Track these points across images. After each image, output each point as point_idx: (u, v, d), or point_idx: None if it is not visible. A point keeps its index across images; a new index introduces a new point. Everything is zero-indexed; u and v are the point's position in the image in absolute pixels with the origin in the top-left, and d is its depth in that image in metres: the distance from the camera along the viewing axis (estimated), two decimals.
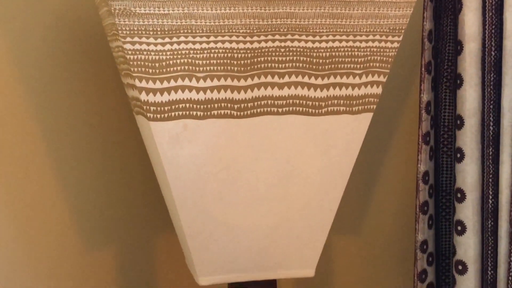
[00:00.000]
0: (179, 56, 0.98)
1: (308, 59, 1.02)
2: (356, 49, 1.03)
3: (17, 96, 1.27)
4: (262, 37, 0.99)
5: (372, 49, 1.04)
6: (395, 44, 1.05)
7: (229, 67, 0.99)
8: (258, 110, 1.02)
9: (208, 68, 0.99)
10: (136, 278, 1.39)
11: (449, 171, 1.24)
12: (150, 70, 0.97)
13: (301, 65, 1.02)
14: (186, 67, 0.98)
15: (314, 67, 1.02)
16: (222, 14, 0.97)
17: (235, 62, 0.99)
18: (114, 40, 1.01)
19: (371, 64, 1.04)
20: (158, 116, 0.99)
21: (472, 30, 1.13)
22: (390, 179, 1.46)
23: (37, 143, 1.30)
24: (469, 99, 1.15)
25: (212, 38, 0.98)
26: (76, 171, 1.32)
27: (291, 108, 1.03)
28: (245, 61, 1.00)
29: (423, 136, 1.20)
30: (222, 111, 1.01)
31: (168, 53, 0.97)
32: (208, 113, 1.00)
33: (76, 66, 1.31)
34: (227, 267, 1.08)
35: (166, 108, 0.99)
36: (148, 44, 0.96)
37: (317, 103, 1.04)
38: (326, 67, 1.03)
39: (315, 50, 1.02)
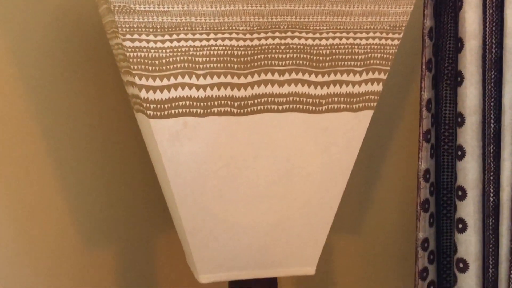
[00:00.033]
0: (179, 54, 0.97)
1: (308, 56, 1.01)
2: (356, 47, 1.03)
3: (17, 95, 1.27)
4: (262, 35, 0.99)
5: (372, 47, 1.03)
6: (396, 42, 1.04)
7: (229, 65, 0.99)
8: (258, 107, 1.02)
9: (208, 65, 0.99)
10: (136, 277, 1.38)
11: (450, 169, 1.24)
12: (150, 68, 0.97)
13: (301, 62, 1.01)
14: (186, 65, 0.98)
15: (314, 64, 1.02)
16: (221, 11, 0.97)
17: (235, 60, 0.99)
18: (114, 37, 1.00)
19: (372, 61, 1.04)
20: (158, 113, 0.99)
21: (472, 27, 1.13)
22: (390, 177, 1.46)
23: (37, 142, 1.29)
24: (470, 96, 1.14)
25: (212, 36, 0.98)
26: (76, 170, 1.32)
27: (291, 106, 1.03)
28: (245, 59, 0.99)
29: (424, 134, 1.19)
30: (222, 109, 1.01)
31: (168, 50, 0.97)
32: (208, 110, 1.00)
33: (76, 65, 1.30)
34: (228, 264, 1.08)
35: (166, 106, 0.98)
36: (148, 41, 0.96)
37: (317, 101, 1.03)
38: (326, 64, 1.02)
39: (315, 48, 1.01)
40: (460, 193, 1.16)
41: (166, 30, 0.96)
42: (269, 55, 1.00)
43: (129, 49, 0.96)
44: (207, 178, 1.03)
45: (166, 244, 1.40)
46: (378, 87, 1.06)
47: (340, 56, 1.02)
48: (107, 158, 1.35)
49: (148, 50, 0.96)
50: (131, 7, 0.95)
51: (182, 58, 0.98)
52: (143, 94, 0.98)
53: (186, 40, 0.97)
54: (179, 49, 0.97)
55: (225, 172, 1.03)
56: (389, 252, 1.47)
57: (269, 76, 1.01)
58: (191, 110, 1.00)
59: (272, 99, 1.02)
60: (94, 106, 1.33)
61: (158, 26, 0.96)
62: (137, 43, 0.96)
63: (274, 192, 1.05)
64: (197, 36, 0.98)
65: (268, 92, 1.02)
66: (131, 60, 0.96)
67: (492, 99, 1.13)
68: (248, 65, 1.00)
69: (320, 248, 1.11)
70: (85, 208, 1.33)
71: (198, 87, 0.99)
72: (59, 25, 1.29)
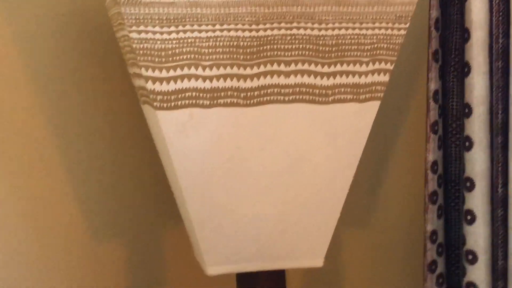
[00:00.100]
0: (185, 45, 0.98)
1: (314, 47, 1.01)
2: (362, 37, 1.03)
3: (28, 94, 1.28)
4: (268, 25, 0.99)
5: (378, 37, 1.03)
6: (402, 32, 1.04)
7: (235, 56, 0.99)
8: (265, 98, 1.02)
9: (214, 56, 0.99)
10: (144, 271, 1.38)
11: (458, 160, 1.24)
12: (156, 59, 0.97)
13: (307, 53, 1.01)
14: (192, 56, 0.98)
15: (320, 55, 1.02)
16: (227, 2, 0.97)
17: (241, 51, 0.99)
18: (120, 29, 1.01)
19: (378, 51, 1.04)
20: (165, 105, 0.99)
21: (479, 17, 1.13)
22: (398, 168, 1.46)
23: (45, 137, 1.30)
24: (477, 87, 1.14)
25: (217, 27, 0.98)
26: (85, 165, 1.33)
27: (297, 97, 1.03)
28: (251, 50, 0.99)
29: (431, 125, 1.19)
30: (229, 100, 1.01)
31: (174, 41, 0.97)
32: (215, 101, 1.00)
33: (83, 59, 1.31)
34: (235, 257, 1.08)
35: (172, 97, 0.99)
36: (154, 33, 0.96)
37: (324, 91, 1.03)
38: (333, 55, 1.02)
39: (321, 38, 1.01)
40: (468, 184, 1.16)
41: (172, 21, 0.96)
42: (275, 46, 1.00)
43: (136, 41, 0.96)
44: (214, 169, 1.03)
45: (174, 238, 1.40)
46: (385, 78, 1.05)
47: (346, 47, 1.02)
48: (115, 152, 1.35)
49: (155, 41, 0.97)
50: None
51: (188, 49, 0.98)
52: (149, 85, 0.98)
53: (192, 31, 0.97)
54: (185, 41, 0.97)
55: (231, 164, 1.03)
56: (397, 245, 1.47)
57: (275, 67, 1.01)
58: (198, 101, 1.00)
59: (278, 90, 1.02)
60: (101, 100, 1.33)
61: (164, 18, 0.96)
62: (143, 35, 0.96)
63: (281, 184, 1.05)
64: (203, 27, 0.98)
65: (274, 83, 1.01)
66: (137, 51, 0.96)
67: (500, 90, 1.13)
68: (254, 56, 1.00)
69: (328, 240, 1.11)
70: (94, 202, 1.34)
71: (204, 78, 0.99)
72: (68, 23, 1.29)
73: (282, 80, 1.02)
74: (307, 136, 1.04)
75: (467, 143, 1.15)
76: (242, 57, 0.99)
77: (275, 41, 1.00)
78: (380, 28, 1.03)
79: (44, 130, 1.30)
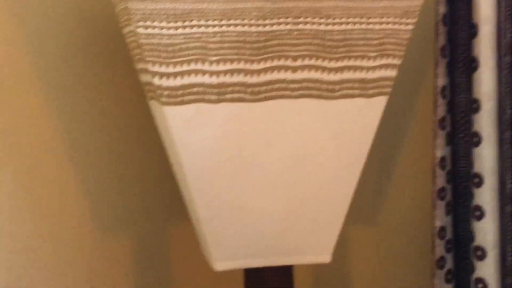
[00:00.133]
0: (191, 40, 0.98)
1: (321, 42, 1.01)
2: (370, 32, 1.02)
3: (33, 89, 1.29)
4: (275, 20, 0.99)
5: (386, 32, 1.03)
6: (409, 27, 1.04)
7: (241, 51, 0.99)
8: (271, 94, 1.02)
9: (220, 52, 0.99)
10: (151, 267, 1.39)
11: (467, 157, 1.23)
12: (163, 54, 0.97)
13: (314, 48, 1.01)
14: (199, 51, 0.98)
15: (327, 50, 1.01)
16: None
17: (247, 46, 0.99)
18: (127, 25, 1.01)
19: (386, 46, 1.03)
20: (171, 100, 0.99)
21: (487, 12, 1.12)
22: (406, 165, 1.45)
23: (53, 135, 1.30)
24: (485, 82, 1.13)
25: (224, 22, 0.98)
26: (92, 162, 1.33)
27: (304, 92, 1.02)
28: (258, 45, 0.99)
29: (439, 121, 1.19)
30: (235, 95, 1.00)
31: (181, 37, 0.97)
32: (221, 97, 1.00)
33: (90, 57, 1.32)
34: (243, 252, 1.07)
35: (179, 92, 0.98)
36: (161, 28, 0.96)
37: (331, 87, 1.03)
38: (340, 50, 1.02)
39: (329, 33, 1.01)
40: (476, 180, 1.15)
41: (179, 16, 0.96)
42: (281, 41, 1.00)
43: (142, 36, 0.96)
44: (221, 165, 1.03)
45: (181, 234, 1.40)
46: (392, 73, 1.05)
47: (354, 42, 1.02)
48: (122, 149, 1.36)
49: (161, 37, 0.97)
50: None
51: (195, 44, 0.98)
52: (156, 81, 0.98)
53: (198, 26, 0.97)
54: (192, 36, 0.97)
55: (238, 159, 1.03)
56: (405, 242, 1.46)
57: (282, 62, 1.01)
58: (204, 96, 0.99)
59: (285, 85, 1.02)
60: (109, 95, 1.34)
61: (171, 13, 0.96)
62: (150, 30, 0.96)
63: (288, 179, 1.05)
64: (210, 22, 0.98)
65: (281, 78, 1.01)
66: (144, 47, 0.97)
67: (508, 85, 1.12)
68: (261, 51, 1.00)
69: (335, 236, 1.10)
70: (101, 199, 1.34)
71: (211, 73, 0.99)
72: (75, 21, 1.30)
73: (289, 75, 1.01)
74: (314, 131, 1.04)
75: (475, 139, 1.15)
76: (248, 52, 0.99)
77: (282, 36, 1.00)
78: (387, 23, 1.02)
79: (52, 128, 1.30)
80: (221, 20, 0.98)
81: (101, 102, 1.33)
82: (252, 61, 1.00)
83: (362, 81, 1.04)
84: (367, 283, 1.48)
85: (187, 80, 0.99)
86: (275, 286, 1.11)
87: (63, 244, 1.32)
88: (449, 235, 1.23)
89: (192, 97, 0.99)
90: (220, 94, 1.00)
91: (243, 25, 0.98)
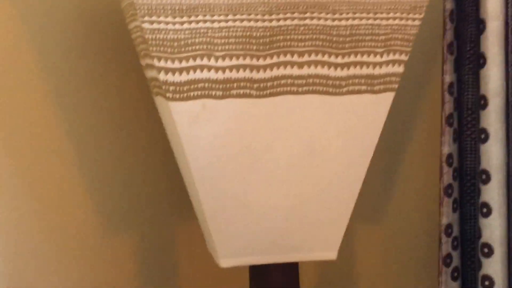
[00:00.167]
0: (197, 35, 0.97)
1: (328, 37, 1.00)
2: (377, 27, 1.02)
3: (37, 88, 1.28)
4: (281, 15, 0.98)
5: (393, 27, 1.02)
6: (417, 22, 1.03)
7: (247, 46, 0.99)
8: (278, 89, 1.01)
9: (226, 47, 0.98)
10: (156, 264, 1.38)
11: (474, 154, 1.22)
12: (169, 49, 0.97)
13: (320, 43, 1.00)
14: (205, 46, 0.97)
15: (334, 45, 1.01)
16: None
17: (253, 41, 0.99)
18: (133, 20, 1.00)
19: (393, 42, 1.03)
20: (177, 96, 0.98)
21: (494, 8, 1.11)
22: (412, 162, 1.45)
23: (57, 133, 1.30)
24: (493, 78, 1.13)
25: (230, 17, 0.97)
26: (97, 157, 1.33)
27: (311, 88, 1.02)
28: (264, 40, 0.99)
29: (446, 117, 1.18)
30: (241, 91, 1.00)
31: (187, 32, 0.97)
32: (227, 92, 1.00)
33: (95, 55, 1.31)
34: (248, 249, 1.07)
35: (185, 88, 0.98)
36: (167, 23, 0.96)
37: (337, 82, 1.02)
38: (347, 45, 1.01)
39: (335, 28, 1.00)
40: (484, 176, 1.14)
41: (184, 11, 0.96)
42: (288, 36, 0.99)
43: (148, 31, 0.96)
44: (226, 161, 1.02)
45: (186, 231, 1.40)
46: (399, 69, 1.04)
47: (361, 37, 1.01)
48: (127, 146, 1.35)
49: (167, 32, 0.96)
50: None
51: (200, 39, 0.97)
52: (162, 76, 0.97)
53: (204, 21, 0.97)
54: (198, 31, 0.97)
55: (244, 155, 1.02)
56: (411, 239, 1.46)
57: (288, 57, 1.00)
58: (210, 92, 0.99)
59: (292, 81, 1.01)
60: (114, 91, 1.34)
61: (177, 8, 0.96)
62: (155, 25, 0.96)
63: (294, 175, 1.04)
64: (215, 17, 0.97)
65: (287, 74, 1.01)
66: (149, 42, 0.96)
67: None
68: (267, 46, 0.99)
69: (341, 233, 1.10)
70: (106, 197, 1.34)
71: (217, 69, 0.98)
72: (80, 20, 1.30)
73: (295, 71, 1.01)
74: (320, 127, 1.04)
75: (483, 135, 1.14)
76: (255, 47, 0.99)
77: (288, 31, 0.99)
78: (394, 19, 1.02)
79: (57, 126, 1.30)
80: (227, 15, 0.97)
81: (106, 100, 1.33)
82: (258, 57, 0.99)
83: (368, 77, 1.03)
84: (373, 281, 1.48)
85: (192, 75, 0.98)
86: (281, 283, 1.11)
87: (68, 242, 1.32)
88: (455, 232, 1.22)
89: (197, 92, 0.99)
90: (225, 89, 0.99)
91: (249, 20, 0.98)
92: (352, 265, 1.47)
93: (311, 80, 1.02)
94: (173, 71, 0.97)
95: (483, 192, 1.15)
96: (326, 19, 1.00)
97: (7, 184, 1.27)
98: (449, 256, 1.21)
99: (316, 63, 1.01)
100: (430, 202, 1.38)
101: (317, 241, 1.09)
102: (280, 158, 1.03)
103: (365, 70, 1.03)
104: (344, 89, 1.03)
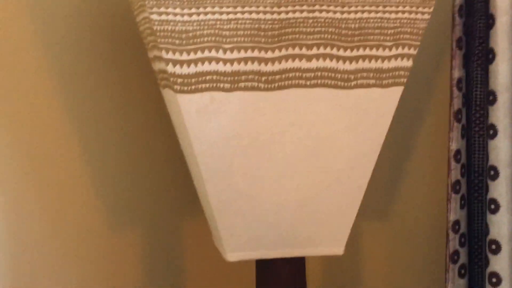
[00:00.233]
0: (206, 27, 0.97)
1: (337, 30, 1.00)
2: (386, 21, 1.01)
3: (45, 82, 1.28)
4: (290, 8, 0.98)
5: (402, 21, 1.02)
6: (426, 16, 1.03)
7: (256, 39, 0.98)
8: (286, 82, 1.00)
9: (235, 39, 0.98)
10: (162, 259, 1.38)
11: (482, 151, 1.22)
12: (177, 41, 0.96)
13: (329, 36, 1.00)
14: (213, 38, 0.97)
15: (342, 38, 1.00)
16: None
17: (262, 34, 0.98)
18: (141, 12, 1.00)
19: (401, 36, 1.02)
20: (185, 88, 0.98)
21: (504, 2, 1.11)
22: (421, 156, 1.44)
23: (64, 128, 1.30)
24: (502, 73, 1.12)
25: (239, 9, 0.97)
26: (103, 153, 1.33)
27: (319, 81, 1.01)
28: (273, 33, 0.98)
29: (455, 113, 1.17)
30: (249, 84, 0.99)
31: (195, 23, 0.96)
32: (235, 85, 0.99)
33: (103, 50, 1.31)
34: (255, 243, 1.06)
35: (193, 80, 0.98)
36: (175, 14, 0.95)
37: (346, 76, 1.02)
38: (355, 38, 1.01)
39: (344, 21, 1.00)
40: (492, 173, 1.14)
41: (193, 3, 0.95)
42: (297, 29, 0.99)
43: (156, 23, 0.95)
44: (234, 154, 1.02)
45: (193, 226, 1.39)
46: (408, 63, 1.04)
47: (369, 30, 1.01)
48: (133, 141, 1.35)
49: (175, 23, 0.96)
50: None
51: (209, 31, 0.97)
52: (170, 68, 0.97)
53: (213, 13, 0.96)
54: (206, 23, 0.96)
55: (252, 149, 1.02)
56: (419, 235, 1.45)
57: (297, 50, 1.00)
58: (218, 85, 0.99)
59: (300, 74, 1.01)
60: (120, 91, 1.33)
61: None
62: (164, 16, 0.95)
63: (301, 169, 1.04)
64: (224, 9, 0.97)
65: (296, 67, 1.00)
66: (158, 33, 0.96)
67: None
68: (276, 39, 0.99)
69: (348, 228, 1.09)
70: (112, 192, 1.34)
71: (225, 61, 0.98)
72: (87, 16, 1.30)
73: (303, 64, 1.00)
74: (328, 121, 1.03)
75: (491, 131, 1.13)
76: (263, 40, 0.98)
77: (297, 24, 0.99)
78: (403, 12, 1.01)
79: (60, 123, 1.30)
80: (236, 7, 0.97)
81: (110, 97, 1.33)
82: (267, 49, 0.99)
83: (377, 70, 1.03)
84: (379, 277, 1.47)
85: (200, 67, 0.98)
86: (287, 278, 1.10)
87: (73, 239, 1.31)
88: (463, 229, 1.21)
89: (205, 85, 0.98)
90: (234, 82, 0.99)
91: (258, 12, 0.97)
92: (358, 262, 1.46)
93: (319, 74, 1.01)
94: (181, 63, 0.97)
95: (491, 188, 1.14)
96: (335, 12, 0.99)
97: (12, 182, 1.27)
98: (456, 252, 1.20)
99: (325, 56, 1.01)
100: (437, 198, 1.38)
101: (324, 235, 1.08)
102: (288, 151, 1.03)
103: (373, 64, 1.02)
104: (353, 83, 1.02)
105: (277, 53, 0.99)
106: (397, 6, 1.01)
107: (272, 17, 0.98)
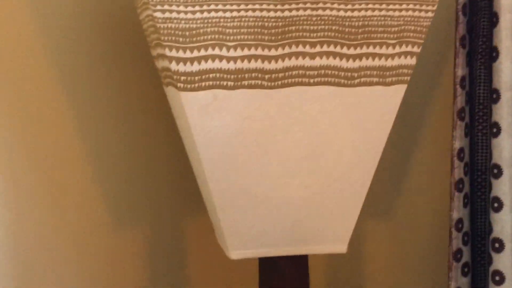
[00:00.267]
0: (209, 25, 0.97)
1: (340, 28, 1.00)
2: (389, 18, 1.01)
3: (50, 81, 1.28)
4: (293, 5, 0.98)
5: (405, 18, 1.01)
6: (429, 14, 1.02)
7: (259, 36, 0.98)
8: (289, 80, 1.00)
9: (238, 37, 0.98)
10: (166, 257, 1.38)
11: (485, 149, 1.22)
12: (181, 39, 0.96)
13: (333, 34, 1.00)
14: (217, 36, 0.97)
15: (346, 36, 1.00)
16: None
17: (266, 31, 0.98)
18: (145, 10, 1.00)
19: (405, 34, 1.02)
20: (189, 86, 0.98)
21: (508, 0, 1.11)
22: (424, 155, 1.44)
23: (68, 128, 1.30)
24: (505, 72, 1.12)
25: (242, 6, 0.97)
26: (107, 152, 1.33)
27: (323, 79, 1.01)
28: (276, 30, 0.98)
29: (458, 111, 1.17)
30: (253, 82, 0.99)
31: (199, 21, 0.96)
32: (239, 83, 0.99)
33: (105, 48, 1.31)
34: (258, 241, 1.06)
35: (196, 78, 0.98)
36: (179, 12, 0.95)
37: (349, 74, 1.02)
38: (359, 36, 1.01)
39: (347, 19, 1.00)
40: (495, 171, 1.14)
41: (196, 0, 0.95)
42: (300, 27, 0.99)
43: (160, 20, 0.95)
44: (237, 152, 1.02)
45: (196, 224, 1.39)
46: (412, 61, 1.04)
47: (373, 28, 1.01)
48: (136, 139, 1.35)
49: (179, 21, 0.96)
50: None
51: (212, 29, 0.97)
52: (173, 66, 0.97)
53: (216, 11, 0.96)
54: (210, 20, 0.96)
55: (255, 146, 1.02)
56: (422, 234, 1.45)
57: (301, 48, 1.00)
58: (221, 82, 0.99)
59: (303, 72, 1.00)
60: (124, 88, 1.33)
61: None
62: (167, 14, 0.95)
63: (305, 167, 1.04)
64: (228, 7, 0.97)
65: (299, 64, 1.00)
66: (161, 31, 0.96)
67: None
68: (279, 36, 0.99)
69: (351, 226, 1.09)
70: (113, 190, 1.34)
71: (228, 59, 0.98)
72: (91, 16, 1.30)
73: (307, 62, 1.00)
74: (332, 119, 1.03)
75: (494, 129, 1.13)
76: (266, 37, 0.98)
77: (301, 22, 0.99)
78: (407, 10, 1.01)
79: (65, 123, 1.30)
80: (239, 4, 0.97)
81: (115, 93, 1.33)
82: (270, 47, 0.99)
83: (381, 68, 1.02)
84: (382, 276, 1.47)
85: (204, 65, 0.98)
86: (290, 276, 1.10)
87: (77, 238, 1.32)
88: (466, 227, 1.21)
89: (209, 83, 0.98)
90: (237, 80, 0.99)
91: (262, 10, 0.97)
92: (361, 260, 1.46)
93: (323, 71, 1.01)
94: (185, 61, 0.97)
95: (494, 187, 1.14)
96: (338, 10, 0.99)
97: (18, 180, 1.27)
98: (459, 251, 1.20)
99: (328, 54, 1.01)
100: (440, 196, 1.38)
101: (327, 233, 1.08)
102: (291, 149, 1.03)
103: (377, 62, 1.02)
104: (356, 81, 1.02)
105: (280, 51, 0.99)
106: (401, 4, 1.00)
107: (275, 15, 0.98)
